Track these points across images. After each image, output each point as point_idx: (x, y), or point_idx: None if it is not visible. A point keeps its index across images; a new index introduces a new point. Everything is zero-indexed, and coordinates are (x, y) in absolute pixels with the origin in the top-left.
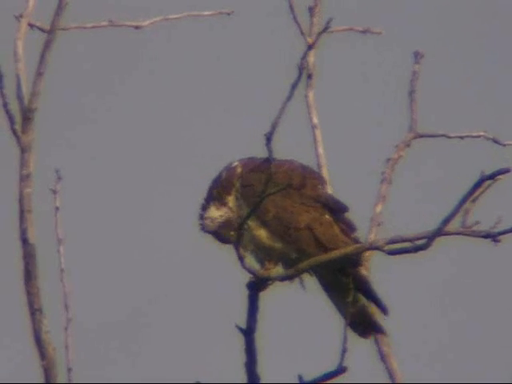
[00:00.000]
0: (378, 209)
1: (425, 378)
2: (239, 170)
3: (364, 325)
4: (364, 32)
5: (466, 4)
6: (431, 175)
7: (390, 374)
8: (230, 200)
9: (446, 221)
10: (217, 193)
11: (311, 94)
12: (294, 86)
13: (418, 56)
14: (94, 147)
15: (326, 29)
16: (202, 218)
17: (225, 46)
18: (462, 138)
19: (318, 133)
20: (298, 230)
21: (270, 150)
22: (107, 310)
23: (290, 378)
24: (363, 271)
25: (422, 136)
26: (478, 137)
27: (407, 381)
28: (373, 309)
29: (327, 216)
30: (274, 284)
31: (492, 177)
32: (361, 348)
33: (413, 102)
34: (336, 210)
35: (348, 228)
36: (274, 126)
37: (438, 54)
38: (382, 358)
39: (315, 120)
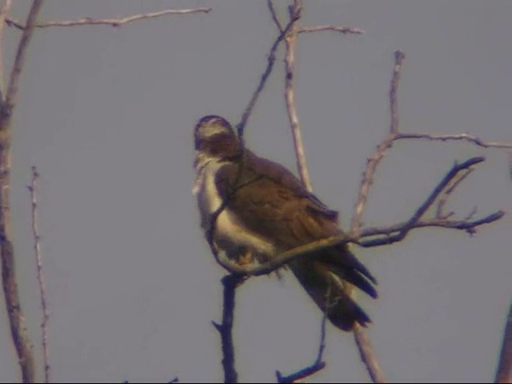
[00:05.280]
0: (359, 209)
1: (407, 377)
2: None
3: (346, 315)
4: (344, 31)
5: (447, 4)
6: (412, 176)
7: (372, 374)
8: None
9: (420, 211)
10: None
11: (291, 94)
12: (264, 77)
13: (398, 56)
14: (72, 144)
15: (296, 17)
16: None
17: (203, 43)
18: (444, 139)
19: (297, 132)
20: (276, 222)
21: (241, 142)
22: (82, 306)
23: (268, 375)
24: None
25: (403, 137)
26: (460, 138)
27: (389, 381)
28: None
29: (305, 202)
30: (250, 279)
31: (465, 166)
32: (342, 349)
33: (393, 102)
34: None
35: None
36: (245, 118)
37: (419, 53)
38: (364, 358)
39: (295, 119)
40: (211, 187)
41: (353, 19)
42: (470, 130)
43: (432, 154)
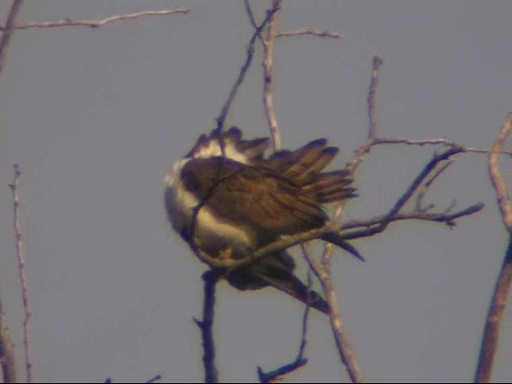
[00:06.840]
0: (338, 212)
1: (386, 377)
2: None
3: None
4: (322, 35)
5: (426, 8)
6: (390, 180)
7: (352, 375)
8: None
9: (400, 203)
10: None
11: (269, 98)
12: (243, 70)
13: (376, 62)
14: (53, 142)
15: (275, 9)
16: None
17: (182, 45)
18: (421, 144)
19: (276, 136)
20: (247, 206)
21: (221, 135)
22: (63, 305)
23: (250, 371)
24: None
25: (381, 142)
26: (438, 143)
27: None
28: None
29: (274, 181)
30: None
31: (445, 156)
32: (322, 351)
33: (371, 107)
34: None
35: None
36: (224, 111)
37: (397, 57)
38: (344, 359)
39: (274, 123)
40: (176, 182)
41: (332, 23)
42: (448, 134)
43: (410, 158)
